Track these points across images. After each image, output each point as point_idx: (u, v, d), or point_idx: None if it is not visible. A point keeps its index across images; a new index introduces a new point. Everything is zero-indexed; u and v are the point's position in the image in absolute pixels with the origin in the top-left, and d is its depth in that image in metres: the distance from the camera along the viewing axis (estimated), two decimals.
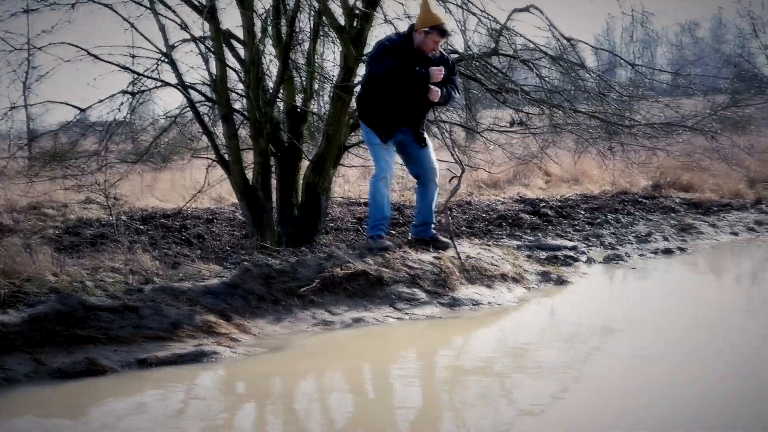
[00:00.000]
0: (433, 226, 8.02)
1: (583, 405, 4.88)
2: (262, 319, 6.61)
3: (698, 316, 6.89)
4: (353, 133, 9.90)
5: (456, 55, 9.79)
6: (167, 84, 9.61)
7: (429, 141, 7.93)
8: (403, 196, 14.14)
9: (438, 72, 7.34)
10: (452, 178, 8.45)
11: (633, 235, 10.88)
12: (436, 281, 7.40)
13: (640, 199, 13.79)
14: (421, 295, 7.21)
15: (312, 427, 4.86)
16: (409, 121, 7.67)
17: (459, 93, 8.21)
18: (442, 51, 7.84)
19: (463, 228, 11.02)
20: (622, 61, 12.82)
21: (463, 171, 8.60)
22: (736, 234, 11.32)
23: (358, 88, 8.58)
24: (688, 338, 6.22)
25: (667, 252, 10.06)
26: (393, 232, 10.46)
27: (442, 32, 7.43)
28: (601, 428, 4.45)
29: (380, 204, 7.73)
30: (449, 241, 7.99)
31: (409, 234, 8.34)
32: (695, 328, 6.54)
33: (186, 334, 6.10)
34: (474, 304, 7.26)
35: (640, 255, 9.88)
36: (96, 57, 9.05)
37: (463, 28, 9.88)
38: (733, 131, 20.10)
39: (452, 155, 8.67)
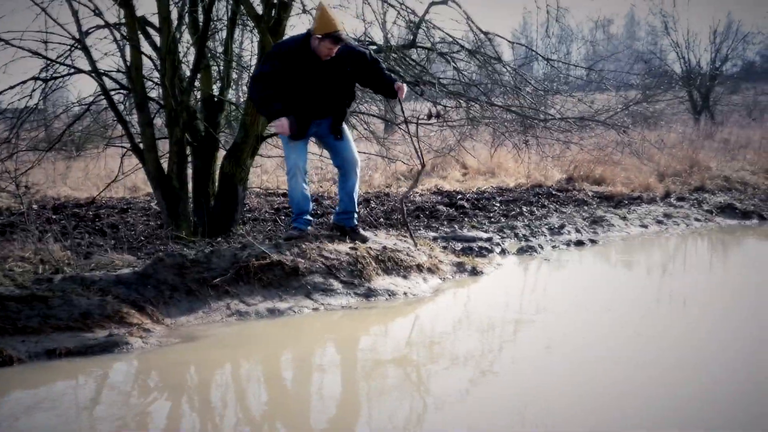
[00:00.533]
0: (356, 216, 7.98)
1: (494, 396, 4.92)
2: (175, 309, 6.55)
3: (608, 307, 7.03)
4: (271, 124, 9.84)
5: (374, 47, 9.79)
6: (80, 71, 9.44)
7: (347, 132, 7.87)
8: (321, 187, 14.11)
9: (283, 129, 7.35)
10: (412, 169, 8.51)
11: (546, 227, 11.00)
12: (352, 272, 7.40)
13: (553, 192, 13.95)
14: (336, 285, 7.20)
15: (227, 418, 4.83)
16: (319, 115, 7.63)
17: (395, 77, 8.02)
18: (355, 46, 7.81)
19: (381, 219, 11.03)
20: (537, 55, 12.99)
21: (423, 165, 8.62)
22: (645, 227, 11.52)
23: None
24: (598, 328, 6.35)
25: (579, 244, 10.20)
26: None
27: (336, 39, 7.27)
28: (511, 419, 4.49)
29: (295, 199, 7.72)
30: (367, 235, 7.99)
31: (332, 219, 8.29)
32: (605, 318, 6.67)
33: (97, 325, 6.01)
34: (390, 295, 7.28)
35: (553, 246, 10.00)
36: (6, 42, 8.84)
37: (382, 20, 9.86)
38: (644, 126, 20.57)
39: (415, 149, 8.63)
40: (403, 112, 9.06)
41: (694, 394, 4.84)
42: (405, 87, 7.68)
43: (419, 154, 8.56)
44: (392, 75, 7.93)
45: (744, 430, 4.36)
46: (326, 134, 7.76)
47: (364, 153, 13.99)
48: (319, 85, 7.47)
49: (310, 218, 7.92)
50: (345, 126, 7.86)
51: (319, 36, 7.19)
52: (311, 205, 7.98)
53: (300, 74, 7.39)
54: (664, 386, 4.93)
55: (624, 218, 11.82)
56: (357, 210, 8.00)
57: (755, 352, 5.72)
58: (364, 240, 7.87)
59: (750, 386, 5.00)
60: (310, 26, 7.51)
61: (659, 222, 11.83)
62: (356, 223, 7.99)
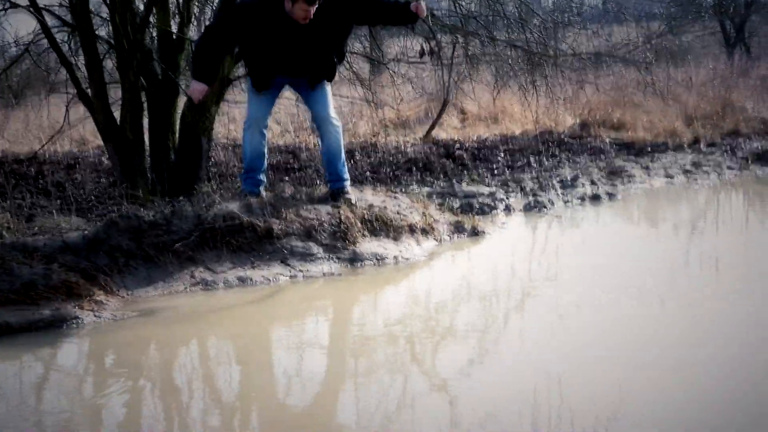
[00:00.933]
0: (343, 176, 7.92)
1: (498, 373, 4.93)
2: (131, 278, 6.56)
3: (626, 272, 6.99)
4: (239, 64, 9.79)
5: None
6: (16, 5, 9.37)
7: (325, 84, 7.83)
8: (298, 137, 14.08)
9: None
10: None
11: (557, 179, 11.01)
12: (335, 234, 7.40)
13: (565, 140, 13.94)
14: (317, 250, 7.21)
15: (192, 403, 4.83)
16: (290, 70, 7.61)
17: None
18: None
19: (368, 174, 11.04)
20: None
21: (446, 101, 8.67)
22: (671, 177, 11.55)
23: None
24: (616, 297, 6.30)
25: (595, 198, 10.21)
26: (287, 178, 10.45)
27: (310, 1, 7.15)
28: (517, 399, 4.51)
29: (247, 154, 7.80)
30: (352, 197, 7.92)
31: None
32: (625, 285, 6.60)
33: (42, 297, 6.01)
34: (378, 260, 7.30)
35: (565, 202, 10.02)
36: None
37: None
38: (670, 62, 20.50)
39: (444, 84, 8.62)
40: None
41: (719, 368, 4.86)
42: (424, 4, 7.48)
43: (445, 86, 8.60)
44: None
45: None
46: (298, 86, 7.85)
47: (346, 98, 13.95)
48: (294, 49, 7.42)
49: (262, 178, 7.90)
50: (328, 85, 7.83)
51: None
52: (265, 163, 7.96)
53: (269, 37, 7.33)
54: (690, 366, 4.94)
55: (646, 168, 11.85)
56: (343, 174, 7.95)
57: None
58: (349, 203, 7.84)
59: None
60: None
61: (687, 172, 11.86)
62: (344, 185, 7.93)
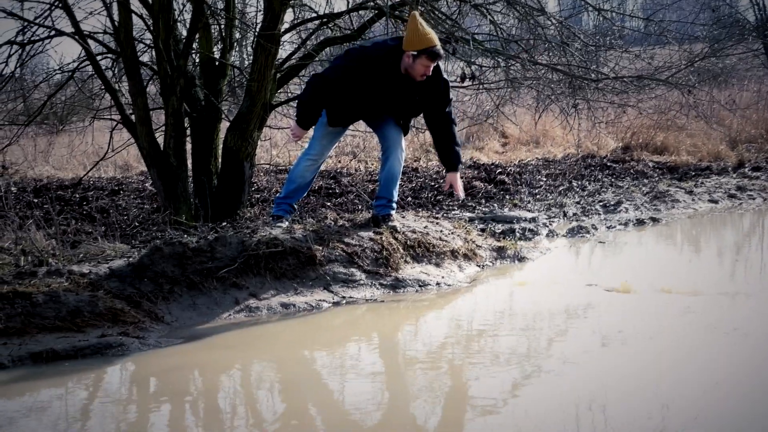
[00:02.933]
0: (393, 204, 7.98)
1: (542, 402, 4.89)
2: (175, 305, 6.58)
3: (672, 300, 6.90)
4: (281, 90, 9.85)
5: None
6: (62, 33, 9.44)
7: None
8: (339, 162, 14.12)
9: None
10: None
11: (600, 204, 10.97)
12: (377, 260, 7.41)
13: (608, 164, 13.92)
14: (359, 275, 7.22)
15: (233, 430, 4.85)
16: (370, 116, 7.89)
17: (455, 124, 8.02)
18: (441, 71, 7.71)
19: (409, 199, 11.05)
20: (587, 5, 12.90)
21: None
22: (715, 202, 11.48)
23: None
24: (665, 323, 6.25)
25: (639, 223, 10.17)
26: (329, 203, 10.47)
27: (434, 55, 7.25)
28: (559, 425, 4.49)
29: (295, 182, 7.87)
30: (397, 225, 7.94)
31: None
32: (673, 311, 6.56)
33: (87, 324, 6.05)
34: (420, 285, 7.29)
35: (609, 227, 9.97)
36: None
37: None
38: (713, 85, 20.37)
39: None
40: None
41: None
42: (460, 187, 7.92)
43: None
44: (458, 152, 7.96)
45: None
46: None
47: None
48: (385, 103, 7.62)
49: (295, 207, 8.03)
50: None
51: (414, 53, 7.18)
52: (303, 195, 8.17)
53: (370, 90, 7.46)
54: (745, 391, 4.90)
55: (690, 192, 11.79)
56: (394, 198, 7.99)
57: None
58: (393, 229, 7.84)
59: None
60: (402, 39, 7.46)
61: (732, 196, 11.78)
62: (391, 212, 7.96)
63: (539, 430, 4.47)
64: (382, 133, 7.94)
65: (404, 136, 8.02)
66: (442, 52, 7.37)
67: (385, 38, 8.27)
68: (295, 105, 8.22)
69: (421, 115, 7.85)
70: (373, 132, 8.23)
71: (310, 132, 8.00)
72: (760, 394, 4.82)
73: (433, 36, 7.31)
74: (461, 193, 7.96)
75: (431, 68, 7.32)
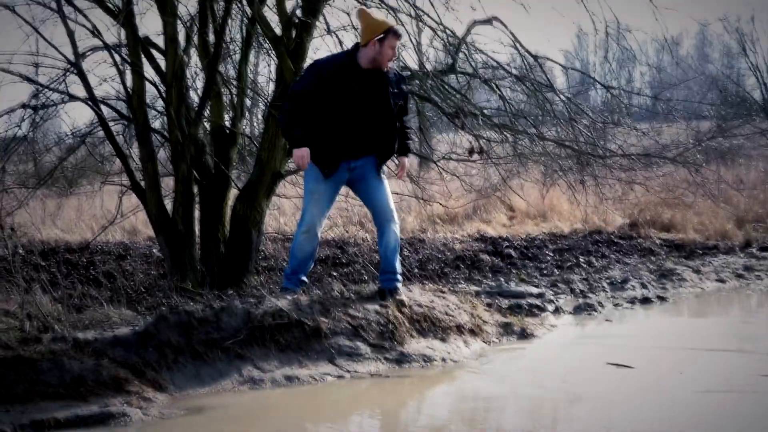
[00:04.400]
0: (397, 276, 7.90)
1: None
2: (180, 375, 6.55)
3: (685, 380, 6.86)
4: (290, 159, 9.88)
5: (408, 73, 9.81)
6: (75, 98, 9.51)
7: (384, 177, 7.91)
8: (347, 231, 14.13)
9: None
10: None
11: (607, 281, 10.96)
12: (383, 333, 7.36)
13: (615, 240, 13.91)
14: (364, 349, 7.17)
15: None
16: (358, 152, 7.68)
17: (409, 144, 8.18)
18: (397, 71, 7.87)
19: (415, 270, 11.04)
20: (595, 82, 12.98)
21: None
22: (723, 281, 11.44)
23: None
24: (674, 405, 6.18)
25: (646, 301, 10.13)
26: (335, 273, 10.46)
27: (397, 34, 7.46)
28: None
29: (298, 258, 7.79)
30: (405, 299, 7.87)
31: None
32: (683, 394, 6.48)
33: (91, 392, 6.02)
34: (425, 360, 7.24)
35: (615, 304, 9.94)
36: None
37: (416, 42, 9.94)
38: (720, 163, 20.43)
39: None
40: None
41: None
42: (405, 167, 8.07)
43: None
44: (411, 143, 8.17)
45: None
46: (361, 177, 7.80)
47: (396, 194, 14.00)
48: (360, 112, 7.52)
49: (306, 279, 7.90)
50: (383, 171, 7.88)
51: (380, 36, 7.29)
52: (311, 266, 8.02)
53: (340, 98, 7.43)
54: None
55: (697, 271, 11.76)
56: (398, 270, 7.93)
57: None
58: (399, 303, 7.77)
59: None
60: (357, 40, 7.63)
61: (739, 276, 11.75)
62: (397, 285, 7.89)
63: None
64: (373, 203, 7.91)
65: (406, 156, 8.05)
66: (395, 28, 7.50)
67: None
68: (281, 133, 8.30)
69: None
70: (364, 204, 8.19)
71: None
72: None
73: (388, 19, 7.65)
74: (404, 176, 8.19)
75: (394, 48, 7.46)
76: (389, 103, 7.56)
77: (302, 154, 7.44)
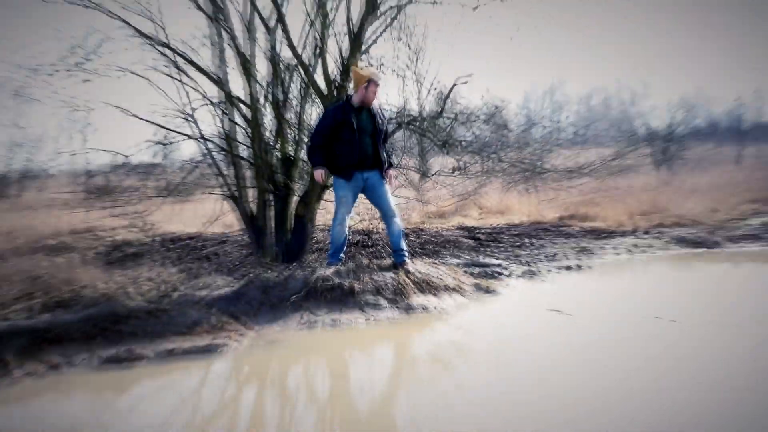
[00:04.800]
0: (405, 253, 7.97)
1: (508, 382, 4.90)
2: (261, 319, 6.61)
3: (599, 314, 6.92)
4: (332, 176, 9.90)
5: (412, 116, 9.84)
6: (190, 137, 9.56)
7: (386, 187, 7.94)
8: (371, 224, 14.12)
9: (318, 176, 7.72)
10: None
11: (544, 255, 10.94)
12: (396, 291, 7.41)
13: (549, 228, 13.86)
14: (383, 302, 7.22)
15: (299, 399, 4.90)
16: (365, 166, 7.75)
17: (388, 137, 8.17)
18: (380, 108, 7.98)
19: (417, 250, 11.03)
20: (536, 122, 12.98)
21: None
22: (619, 254, 11.40)
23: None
24: (585, 331, 6.25)
25: (569, 268, 10.11)
26: (363, 252, 10.46)
27: (376, 82, 7.59)
28: (523, 403, 4.47)
29: (336, 243, 7.84)
30: (410, 269, 7.90)
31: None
32: (596, 324, 6.56)
33: (203, 331, 6.10)
34: (424, 309, 7.27)
35: (549, 270, 9.92)
36: (137, 117, 9.03)
37: (417, 95, 9.94)
38: (618, 176, 20.35)
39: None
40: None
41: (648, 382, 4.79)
42: (393, 177, 7.93)
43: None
44: (390, 159, 8.03)
45: None
46: (371, 187, 7.85)
47: (404, 197, 14.01)
48: (360, 136, 7.62)
49: (342, 257, 7.93)
50: (385, 180, 7.90)
51: (365, 84, 7.47)
52: (344, 247, 8.00)
53: (344, 127, 7.57)
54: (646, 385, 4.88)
55: (603, 248, 11.72)
56: (404, 248, 8.00)
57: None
58: (406, 272, 7.82)
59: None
60: (349, 92, 7.76)
61: (629, 251, 11.71)
62: (404, 259, 7.95)
63: (509, 403, 4.45)
64: (381, 206, 7.95)
65: (390, 168, 7.96)
66: (380, 76, 7.68)
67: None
68: (308, 158, 8.25)
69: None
70: (374, 206, 8.17)
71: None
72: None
73: (371, 70, 7.74)
74: (393, 182, 7.99)
75: (375, 92, 7.58)
76: (377, 128, 7.70)
77: (319, 172, 7.69)
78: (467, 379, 5.13)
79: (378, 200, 7.95)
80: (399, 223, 8.01)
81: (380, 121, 7.78)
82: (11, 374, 5.17)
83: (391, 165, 7.96)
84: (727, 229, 13.80)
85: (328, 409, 4.73)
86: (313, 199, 9.34)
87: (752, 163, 36.06)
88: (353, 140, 7.62)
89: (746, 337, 6.13)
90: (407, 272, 7.75)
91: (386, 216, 7.98)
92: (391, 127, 8.13)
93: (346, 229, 7.88)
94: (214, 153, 9.77)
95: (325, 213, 14.74)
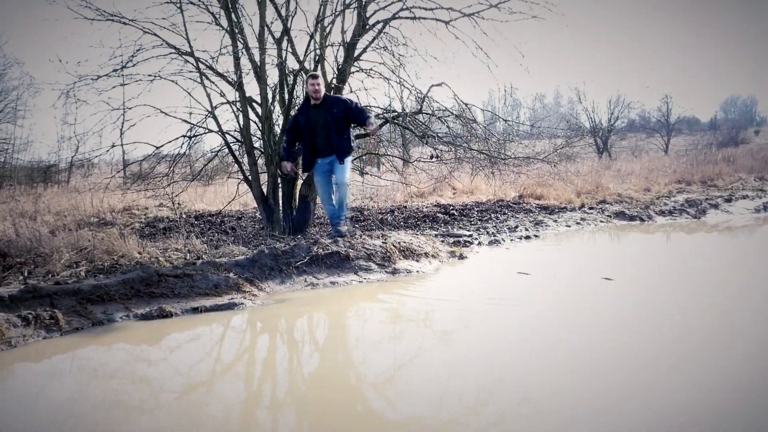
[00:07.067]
0: (342, 219, 7.71)
1: (480, 330, 4.86)
2: (271, 282, 6.54)
3: (553, 273, 6.87)
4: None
5: (395, 113, 9.74)
6: (212, 131, 9.45)
7: (347, 163, 7.56)
8: (363, 203, 14.06)
9: None
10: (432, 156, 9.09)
11: (506, 227, 10.91)
12: (384, 257, 7.36)
13: (510, 205, 13.83)
14: (373, 266, 7.17)
15: (305, 344, 4.84)
16: (325, 153, 7.54)
17: (367, 115, 7.63)
18: (339, 96, 7.75)
19: (401, 223, 10.97)
20: (499, 117, 12.87)
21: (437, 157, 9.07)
22: (569, 226, 11.41)
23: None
24: (540, 286, 6.20)
25: (528, 238, 10.11)
26: (356, 225, 10.40)
27: (311, 76, 7.47)
28: (493, 344, 4.42)
29: (329, 213, 7.81)
30: (343, 230, 7.70)
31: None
32: (549, 280, 6.52)
33: (223, 292, 6.03)
34: (407, 272, 7.23)
35: (511, 240, 9.91)
36: (166, 114, 8.89)
37: (400, 96, 9.83)
38: (567, 161, 20.36)
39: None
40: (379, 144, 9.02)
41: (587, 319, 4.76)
42: (375, 124, 7.50)
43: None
44: (369, 116, 7.57)
45: None
46: (334, 169, 7.63)
47: (390, 181, 13.94)
48: (318, 129, 7.47)
49: (341, 218, 7.68)
50: (348, 159, 7.55)
51: (304, 82, 7.43)
52: (343, 214, 7.71)
53: (305, 123, 7.48)
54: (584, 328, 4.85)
55: (555, 221, 11.72)
56: (341, 215, 7.71)
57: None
58: (342, 235, 7.60)
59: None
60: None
61: (578, 223, 11.71)
62: (339, 223, 7.68)
63: (484, 341, 4.40)
64: (335, 174, 7.61)
65: (349, 154, 7.59)
66: (316, 72, 7.58)
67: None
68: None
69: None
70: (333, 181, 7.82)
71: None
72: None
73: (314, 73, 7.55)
74: (374, 125, 7.51)
75: (315, 84, 7.38)
76: (329, 120, 7.46)
77: (284, 165, 7.75)
78: (442, 323, 5.08)
79: (336, 171, 7.69)
80: (346, 190, 7.62)
81: (337, 110, 7.41)
82: (62, 328, 5.09)
83: (366, 121, 7.46)
84: (657, 204, 13.81)
85: (329, 351, 4.68)
86: (314, 181, 9.24)
87: (677, 150, 36.12)
88: (305, 134, 7.53)
89: (678, 290, 6.12)
90: (394, 242, 7.69)
91: (339, 182, 7.60)
92: (360, 106, 7.68)
93: (331, 204, 7.68)
94: (231, 144, 9.67)
95: None
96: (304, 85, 7.50)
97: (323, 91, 7.54)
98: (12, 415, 3.61)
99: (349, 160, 7.60)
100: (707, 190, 16.66)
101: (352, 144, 7.66)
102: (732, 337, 4.66)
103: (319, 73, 7.53)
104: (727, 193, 15.82)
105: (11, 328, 4.90)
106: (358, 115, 7.50)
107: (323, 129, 7.47)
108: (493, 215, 12.30)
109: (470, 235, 9.82)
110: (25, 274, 6.21)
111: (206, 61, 8.92)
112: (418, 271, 7.29)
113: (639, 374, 3.94)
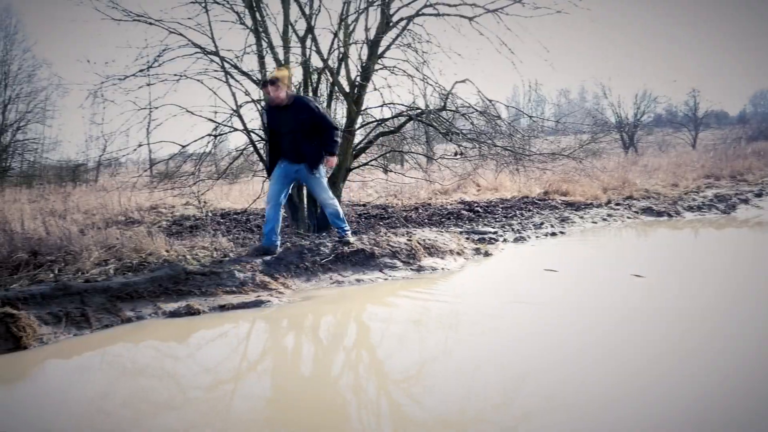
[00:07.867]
0: (343, 229, 7.35)
1: (506, 329, 4.83)
2: (297, 279, 6.56)
3: (580, 270, 6.82)
4: (355, 161, 9.82)
5: (419, 110, 9.72)
6: (237, 129, 9.51)
7: (320, 176, 7.08)
8: (387, 200, 14.05)
9: None
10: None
11: (532, 224, 10.84)
12: (409, 255, 7.35)
13: (536, 201, 13.74)
14: (398, 264, 7.16)
15: (331, 341, 4.85)
16: (294, 159, 6.97)
17: (334, 128, 6.96)
18: (308, 100, 7.00)
19: (425, 220, 10.95)
20: (523, 113, 12.78)
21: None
22: (595, 222, 11.30)
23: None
24: (567, 282, 6.16)
25: (553, 234, 10.03)
26: (381, 223, 10.40)
27: (264, 84, 6.79)
28: (519, 335, 4.40)
29: (268, 221, 7.03)
30: (350, 240, 7.31)
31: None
32: (577, 278, 6.47)
33: (250, 290, 6.06)
34: (432, 269, 7.21)
35: (536, 236, 9.85)
36: (192, 113, 8.96)
37: (424, 93, 9.81)
38: (593, 157, 20.16)
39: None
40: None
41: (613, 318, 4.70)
42: (334, 162, 7.00)
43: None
44: (335, 142, 6.94)
45: None
46: (303, 180, 7.21)
47: (414, 178, 13.92)
48: (284, 131, 6.95)
49: (274, 238, 6.99)
50: (321, 169, 7.04)
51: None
52: (277, 227, 7.05)
53: (269, 122, 7.04)
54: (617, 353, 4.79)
55: (581, 217, 11.61)
56: (343, 227, 7.35)
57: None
58: (347, 244, 7.20)
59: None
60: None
61: (604, 219, 11.60)
62: (344, 234, 7.33)
63: (508, 332, 4.37)
64: (315, 193, 7.26)
65: (330, 156, 6.95)
66: (270, 78, 6.82)
67: None
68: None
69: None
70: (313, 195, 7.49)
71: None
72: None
73: (277, 73, 6.89)
74: (333, 165, 7.03)
75: (272, 92, 6.67)
76: (295, 124, 6.84)
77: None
78: (468, 321, 5.06)
79: (312, 192, 7.43)
80: (333, 206, 7.25)
81: (304, 116, 6.80)
82: (91, 326, 5.16)
83: (328, 153, 6.95)
84: (685, 200, 13.62)
85: (355, 349, 4.69)
86: (339, 179, 9.26)
87: (705, 144, 35.62)
88: (271, 138, 7.02)
89: (708, 286, 6.03)
90: (419, 240, 7.67)
91: (322, 205, 7.36)
92: (326, 116, 6.98)
93: (280, 209, 7.07)
94: (256, 142, 9.71)
95: (348, 192, 14.69)
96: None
97: (284, 95, 6.79)
98: (44, 410, 3.67)
99: (322, 170, 7.06)
100: (737, 185, 16.41)
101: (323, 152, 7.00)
102: None
103: (277, 75, 6.84)
104: (758, 188, 15.57)
105: (43, 326, 4.98)
106: (323, 134, 6.89)
107: (291, 133, 6.90)
108: (518, 212, 12.22)
109: (495, 232, 9.77)
110: (56, 271, 6.30)
111: (231, 60, 8.97)
112: (443, 269, 7.26)
113: (672, 375, 3.88)
